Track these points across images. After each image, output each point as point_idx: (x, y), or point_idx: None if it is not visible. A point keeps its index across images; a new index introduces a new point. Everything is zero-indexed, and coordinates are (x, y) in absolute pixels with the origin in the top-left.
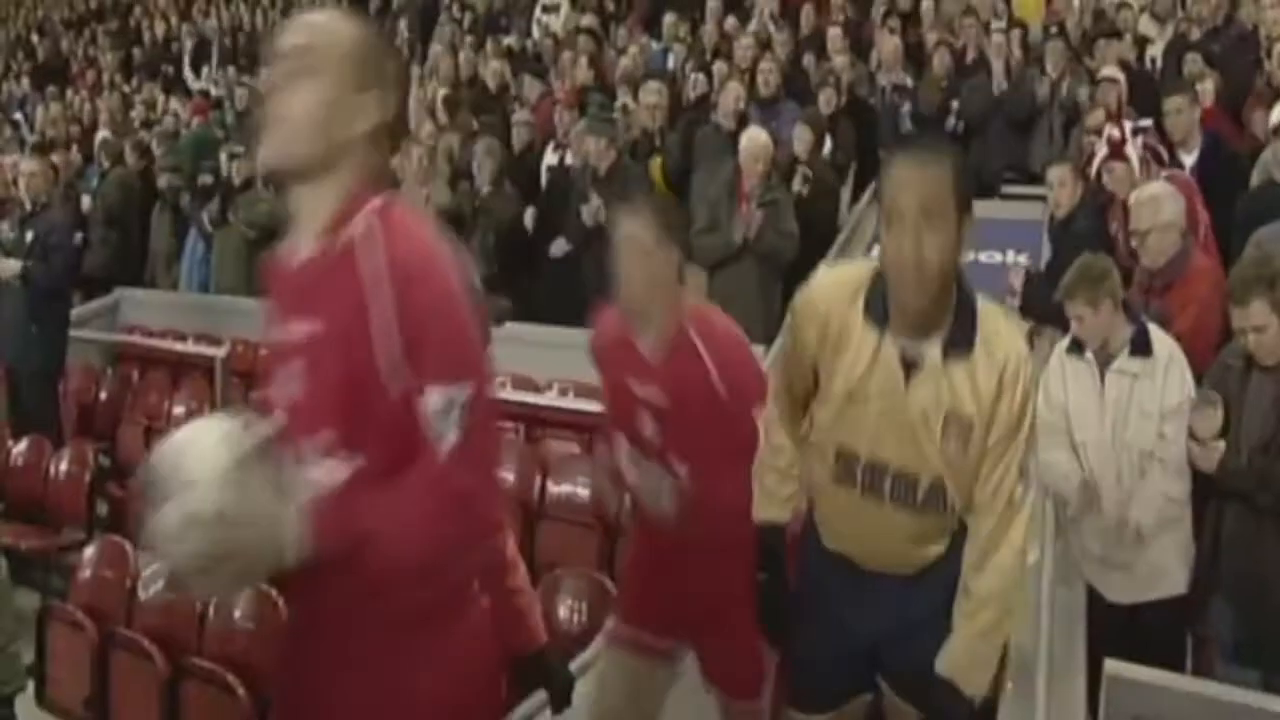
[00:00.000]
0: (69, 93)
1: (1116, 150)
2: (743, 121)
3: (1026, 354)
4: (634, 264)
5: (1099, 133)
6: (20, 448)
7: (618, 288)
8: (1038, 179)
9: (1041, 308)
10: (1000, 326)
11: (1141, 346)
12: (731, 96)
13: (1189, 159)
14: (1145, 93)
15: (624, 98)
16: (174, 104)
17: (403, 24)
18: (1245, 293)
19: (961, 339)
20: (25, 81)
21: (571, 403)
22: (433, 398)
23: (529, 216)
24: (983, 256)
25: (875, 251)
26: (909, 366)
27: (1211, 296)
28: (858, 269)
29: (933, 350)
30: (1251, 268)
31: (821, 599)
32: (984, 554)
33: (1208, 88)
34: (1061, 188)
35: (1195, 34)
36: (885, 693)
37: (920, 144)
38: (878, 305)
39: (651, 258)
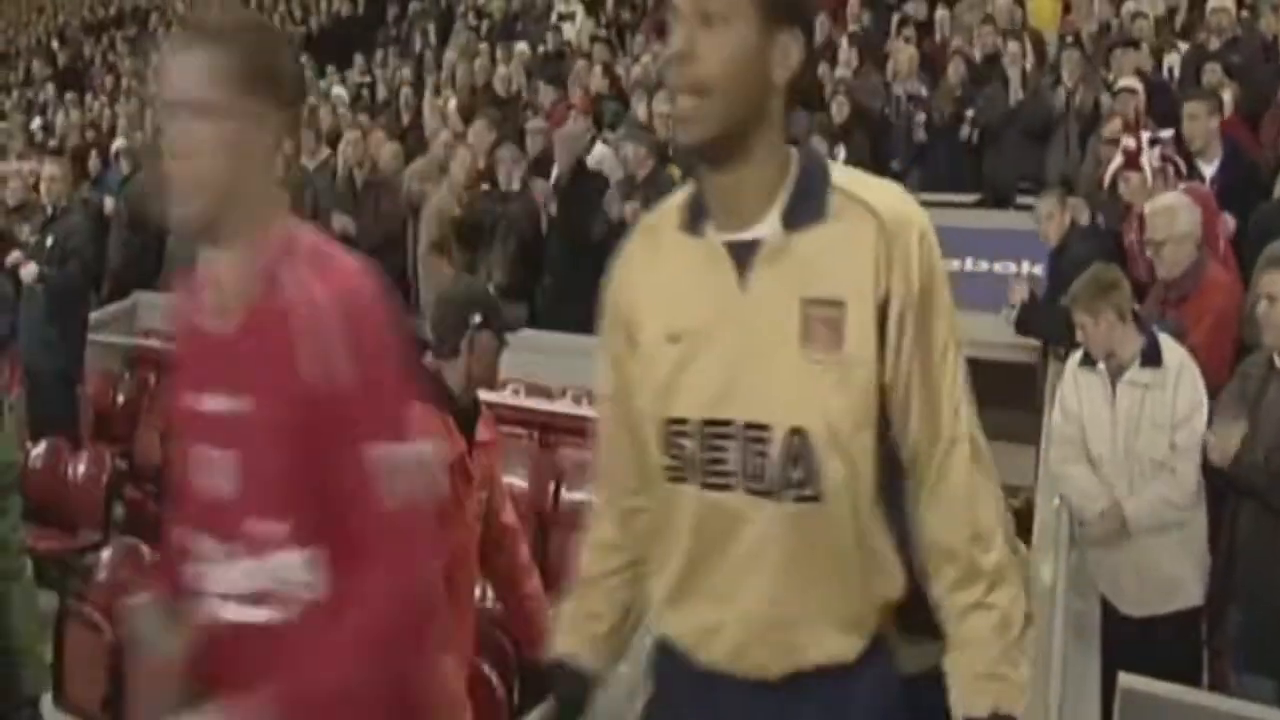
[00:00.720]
0: (88, 98)
1: (1132, 160)
2: None
3: (918, 212)
4: (189, 134)
5: (1116, 142)
6: (39, 450)
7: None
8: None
9: (1038, 329)
10: (870, 184)
11: (1152, 357)
12: None
13: (1209, 169)
14: (1163, 103)
15: (638, 105)
16: None
17: (420, 31)
18: (1272, 261)
19: (809, 203)
20: (49, 87)
21: (585, 410)
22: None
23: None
24: (997, 266)
25: None
26: (741, 257)
27: (1227, 309)
28: (659, 208)
29: (770, 226)
30: None
31: None
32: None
33: (1226, 98)
34: (1049, 220)
35: (1214, 44)
36: None
37: None
38: (694, 203)
39: (220, 121)
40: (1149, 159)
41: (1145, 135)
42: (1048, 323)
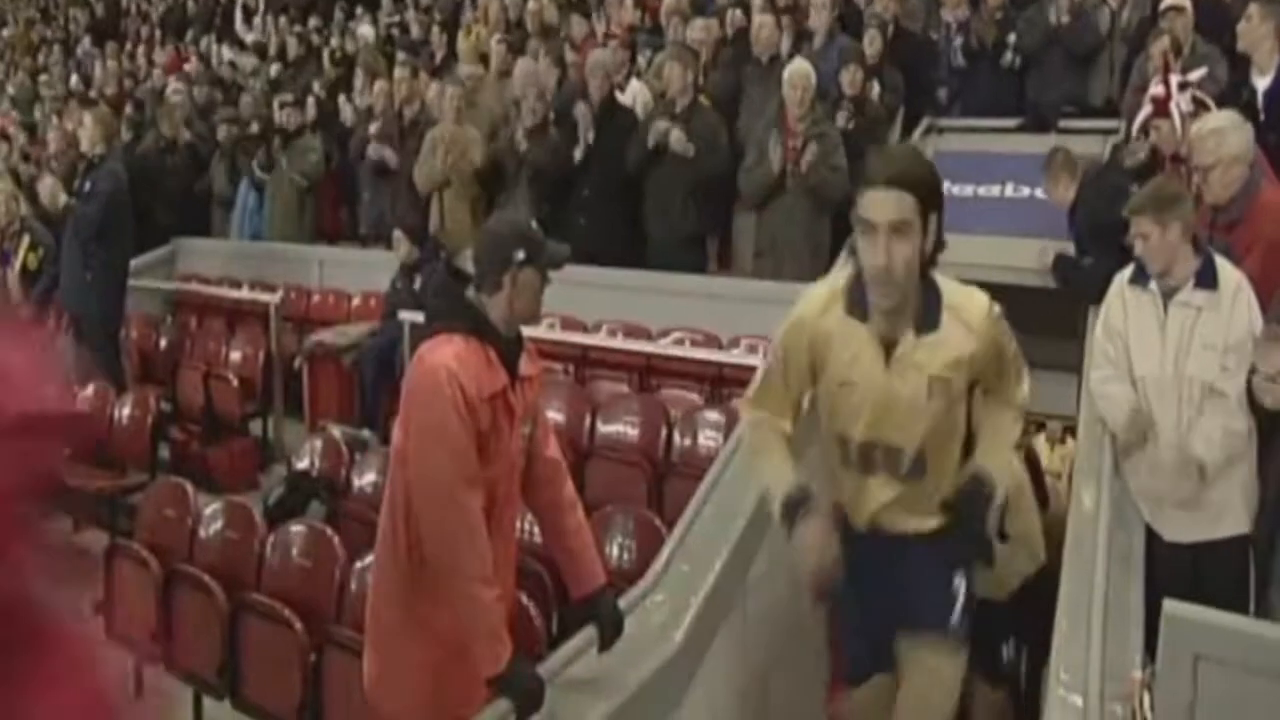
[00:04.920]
0: (125, 48)
1: (1161, 108)
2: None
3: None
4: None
5: (1144, 89)
6: (86, 394)
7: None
8: (1097, 113)
9: (1073, 286)
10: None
11: (1207, 279)
12: (766, 31)
13: (1262, 81)
14: (1212, 20)
15: (672, 35)
16: (227, 54)
17: None
18: None
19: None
20: (87, 39)
21: (620, 343)
22: None
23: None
24: (1038, 192)
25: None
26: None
27: (1279, 234)
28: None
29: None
30: None
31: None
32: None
33: None
34: (1055, 187)
35: None
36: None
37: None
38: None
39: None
40: (1178, 104)
41: (1175, 80)
42: (1080, 280)
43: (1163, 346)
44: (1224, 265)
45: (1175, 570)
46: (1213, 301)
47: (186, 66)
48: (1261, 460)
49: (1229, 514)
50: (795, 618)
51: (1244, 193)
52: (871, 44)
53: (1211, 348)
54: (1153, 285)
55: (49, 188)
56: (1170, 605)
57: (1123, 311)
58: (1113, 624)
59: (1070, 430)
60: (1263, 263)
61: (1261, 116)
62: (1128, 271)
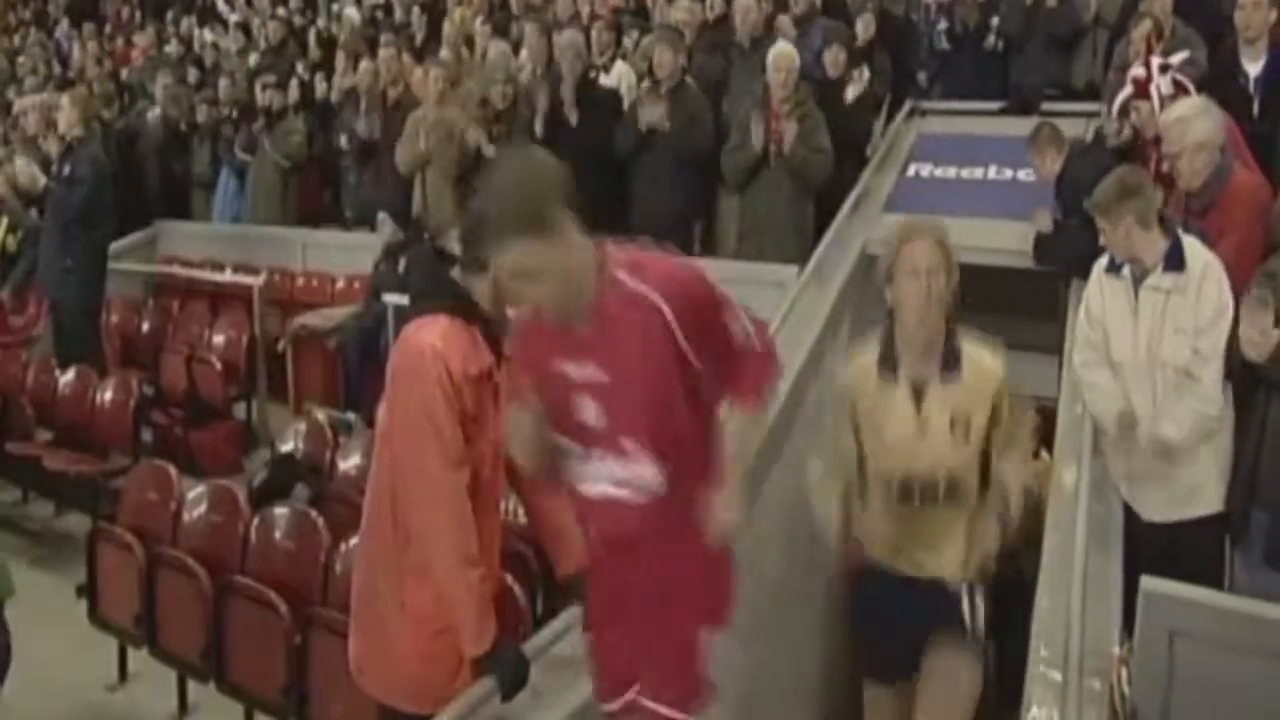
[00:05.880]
0: (104, 30)
1: (1141, 89)
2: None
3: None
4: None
5: (1124, 70)
6: (68, 378)
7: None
8: (1079, 96)
9: (1052, 257)
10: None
11: (1175, 262)
12: (750, 15)
13: (1254, 68)
14: (1192, 4)
15: (657, 16)
16: (208, 36)
17: None
18: None
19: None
20: (65, 21)
21: None
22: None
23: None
24: (1021, 174)
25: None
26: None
27: (1251, 220)
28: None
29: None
30: None
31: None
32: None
33: None
34: (1041, 162)
35: None
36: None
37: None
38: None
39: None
40: (1159, 86)
41: (1156, 62)
42: (1061, 252)
43: (1135, 332)
44: (1192, 246)
45: (1153, 547)
46: (1181, 284)
47: (168, 49)
48: (1239, 436)
49: (1202, 494)
50: (781, 589)
51: (1215, 178)
52: (866, 29)
53: (1182, 331)
54: (1125, 271)
55: (23, 169)
56: (1148, 581)
57: (1100, 298)
58: (1092, 600)
59: (1044, 442)
60: (1237, 248)
61: (1255, 102)
62: (1104, 259)
